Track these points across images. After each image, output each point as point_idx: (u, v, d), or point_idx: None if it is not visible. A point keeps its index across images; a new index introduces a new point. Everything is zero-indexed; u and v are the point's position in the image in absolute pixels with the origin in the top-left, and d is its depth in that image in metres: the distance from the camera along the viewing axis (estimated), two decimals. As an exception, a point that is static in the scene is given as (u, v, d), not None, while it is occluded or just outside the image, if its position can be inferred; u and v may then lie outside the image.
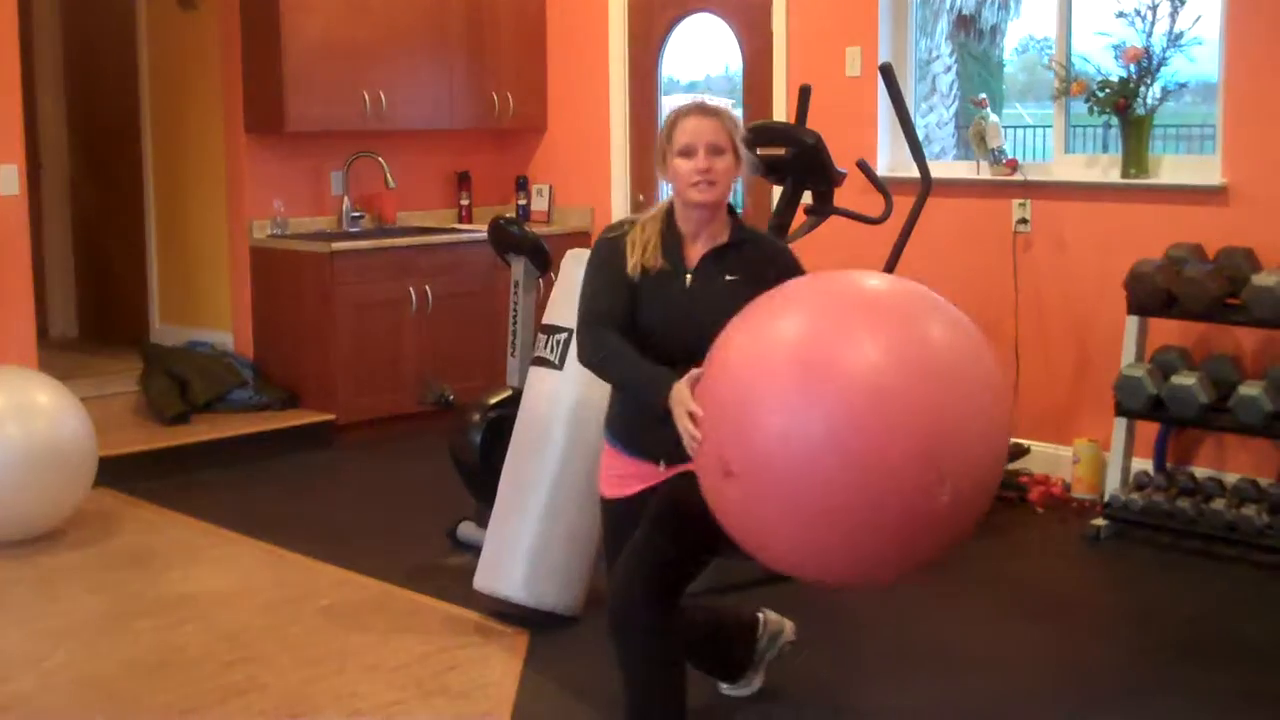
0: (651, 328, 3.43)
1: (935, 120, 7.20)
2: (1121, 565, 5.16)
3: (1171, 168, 5.81)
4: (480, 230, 6.92)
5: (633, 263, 3.45)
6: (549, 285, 4.76)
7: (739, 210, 3.57)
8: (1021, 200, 6.07)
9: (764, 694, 3.91)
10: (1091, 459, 5.74)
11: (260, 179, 7.20)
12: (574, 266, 4.50)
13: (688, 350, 3.25)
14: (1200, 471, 5.52)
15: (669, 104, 7.89)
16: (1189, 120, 8.50)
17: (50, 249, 8.46)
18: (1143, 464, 5.59)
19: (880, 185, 5.46)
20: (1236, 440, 5.47)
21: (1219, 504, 5.13)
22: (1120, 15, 5.76)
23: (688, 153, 3.38)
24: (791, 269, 3.40)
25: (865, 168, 5.51)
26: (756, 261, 3.43)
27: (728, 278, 3.42)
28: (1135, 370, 5.35)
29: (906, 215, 5.44)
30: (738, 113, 3.38)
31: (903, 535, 2.79)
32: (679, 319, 3.41)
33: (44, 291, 8.07)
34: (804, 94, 5.41)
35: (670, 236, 3.48)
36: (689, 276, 3.45)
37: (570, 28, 7.79)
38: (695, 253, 3.47)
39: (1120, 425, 5.46)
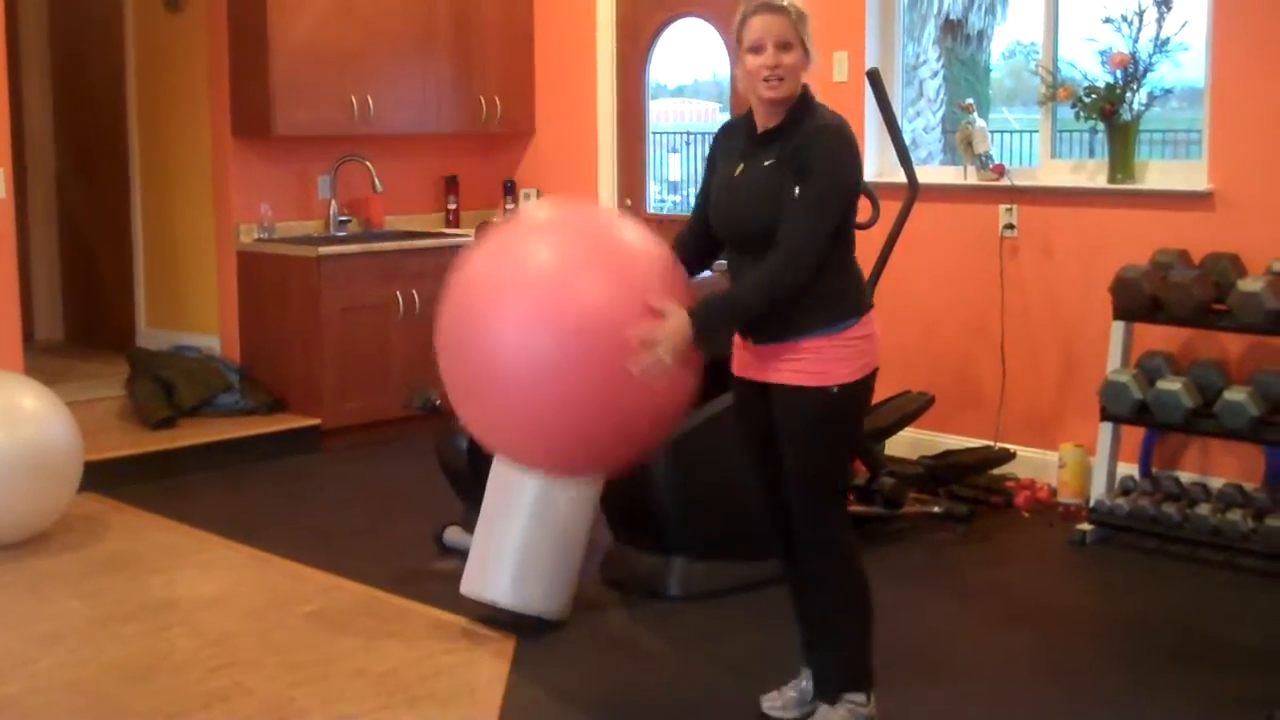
0: (714, 217, 3.62)
1: (922, 125, 7.23)
2: (1107, 570, 5.17)
3: (1157, 173, 5.83)
4: (468, 234, 6.93)
5: (711, 157, 3.70)
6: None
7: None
8: (1008, 205, 6.09)
9: (753, 701, 3.91)
10: (1077, 464, 5.75)
11: (247, 183, 7.18)
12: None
13: (739, 236, 3.55)
14: (1186, 476, 5.53)
15: (656, 108, 7.91)
16: (1175, 125, 8.53)
17: (36, 252, 8.45)
18: (1128, 469, 5.60)
19: (867, 190, 5.44)
20: (1222, 445, 5.48)
21: (1204, 509, 5.14)
22: (1107, 21, 5.77)
23: (757, 49, 3.46)
24: (817, 157, 3.40)
25: (852, 173, 5.51)
26: (794, 145, 3.44)
27: (765, 163, 3.48)
28: (1121, 375, 5.36)
29: (894, 220, 5.45)
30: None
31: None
32: (726, 206, 3.58)
33: (30, 295, 8.04)
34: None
35: (747, 130, 3.58)
36: (740, 165, 3.55)
37: (558, 32, 7.80)
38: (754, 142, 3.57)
39: (1106, 430, 5.47)
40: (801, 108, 3.48)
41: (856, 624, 3.64)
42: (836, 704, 3.64)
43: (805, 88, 3.50)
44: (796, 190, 3.39)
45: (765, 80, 3.44)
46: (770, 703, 3.85)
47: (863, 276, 3.71)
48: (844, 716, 3.62)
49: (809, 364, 3.49)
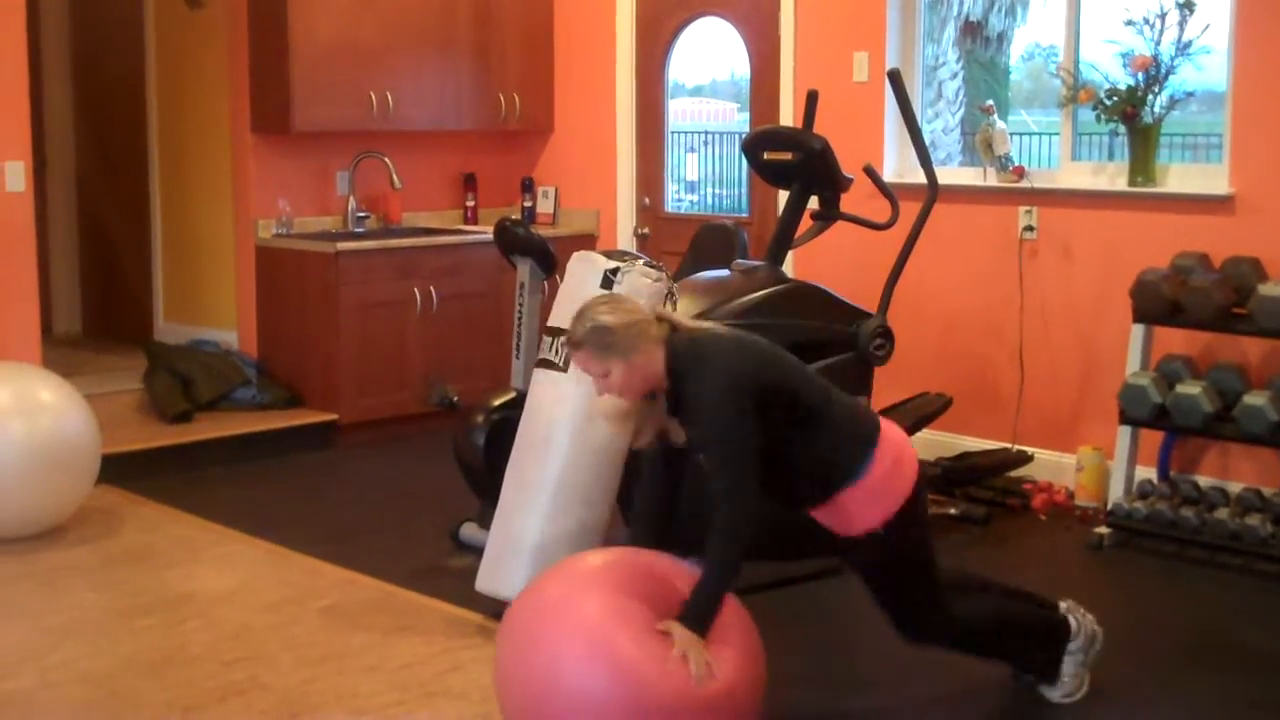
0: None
1: (942, 126, 7.21)
2: (1124, 574, 5.16)
3: (1178, 176, 5.81)
4: (486, 232, 6.93)
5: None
6: (554, 288, 4.75)
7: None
8: (1028, 207, 6.07)
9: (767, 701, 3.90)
10: (1095, 467, 5.73)
11: (266, 178, 7.20)
12: (579, 269, 4.49)
13: None
14: (1204, 481, 5.51)
15: (675, 108, 7.90)
16: (1196, 129, 8.50)
17: (56, 246, 8.47)
18: (1147, 472, 5.58)
19: (887, 191, 5.46)
20: (1241, 450, 5.46)
21: (1223, 513, 5.12)
22: (1129, 23, 5.75)
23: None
24: (698, 421, 3.45)
25: (872, 173, 5.50)
26: (694, 412, 3.48)
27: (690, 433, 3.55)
28: (1140, 379, 5.34)
29: (913, 221, 5.43)
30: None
31: None
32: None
33: (49, 288, 8.08)
34: (811, 99, 5.41)
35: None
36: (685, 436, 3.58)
37: (577, 30, 7.80)
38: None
39: (1124, 433, 5.45)
40: (674, 369, 3.47)
41: (1009, 644, 3.86)
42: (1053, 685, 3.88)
43: (671, 345, 3.48)
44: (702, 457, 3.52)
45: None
46: None
47: (858, 411, 3.68)
48: (1072, 673, 3.87)
49: (849, 515, 3.58)
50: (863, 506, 3.55)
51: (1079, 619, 3.89)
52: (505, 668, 3.46)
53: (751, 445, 3.40)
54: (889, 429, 3.65)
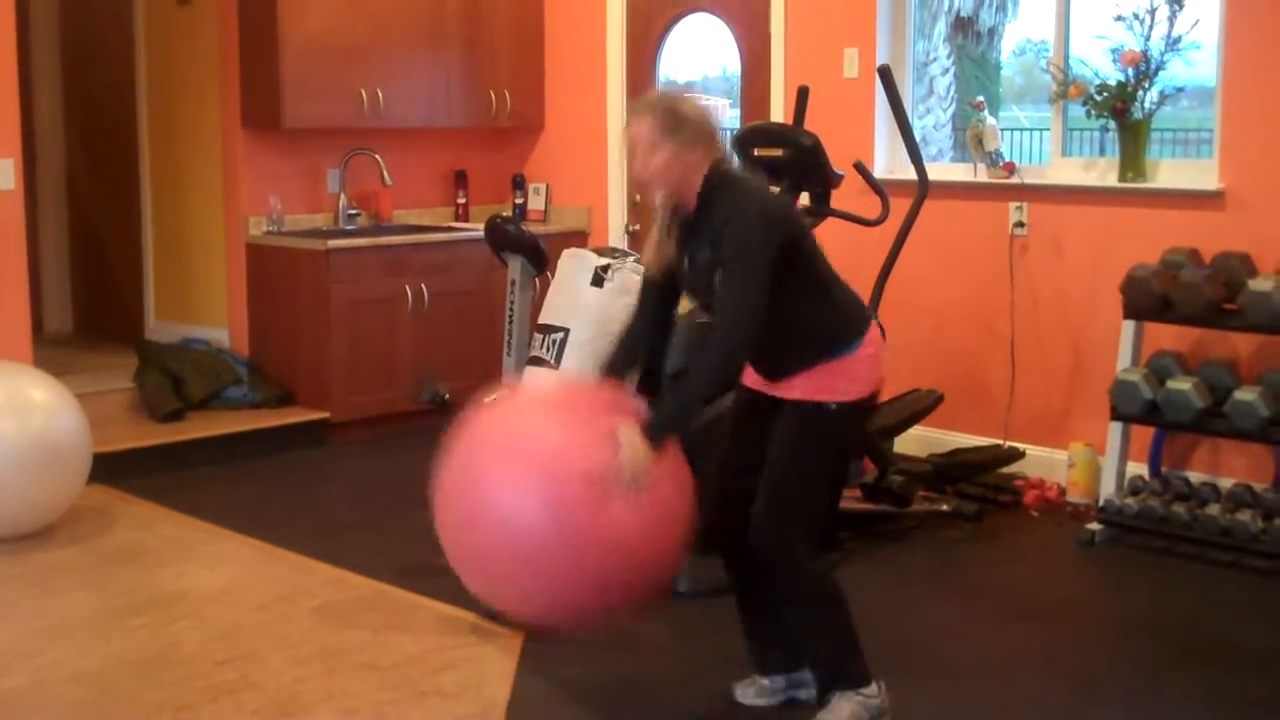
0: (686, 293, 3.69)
1: (933, 122, 7.21)
2: (1116, 570, 5.16)
3: (1168, 172, 5.82)
4: (477, 229, 6.92)
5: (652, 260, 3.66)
6: (545, 285, 4.76)
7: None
8: (1018, 203, 6.07)
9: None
10: (1086, 463, 5.74)
11: (257, 176, 7.18)
12: (570, 266, 4.50)
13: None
14: (1195, 476, 5.52)
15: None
16: (1186, 125, 8.52)
17: (46, 244, 8.46)
18: (1138, 468, 5.59)
19: (877, 187, 5.46)
20: (1232, 445, 5.47)
21: (1213, 509, 5.13)
22: (1118, 19, 5.76)
23: (631, 155, 3.54)
24: (727, 244, 3.42)
25: (862, 169, 5.51)
26: (713, 239, 3.47)
27: (700, 260, 3.53)
28: (1131, 375, 5.35)
29: (903, 217, 5.44)
30: (725, 109, 3.47)
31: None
32: (689, 291, 3.65)
33: (39, 287, 8.05)
34: (802, 95, 5.41)
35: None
36: (685, 260, 3.59)
37: (568, 26, 7.79)
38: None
39: (1115, 429, 5.46)
40: (708, 195, 3.49)
41: (830, 630, 3.66)
42: (841, 699, 3.65)
43: (714, 169, 3.50)
44: (718, 277, 3.46)
45: (646, 186, 3.56)
46: (743, 690, 3.88)
47: (856, 297, 3.74)
48: (854, 709, 3.63)
49: (815, 383, 3.57)
50: (835, 379, 3.56)
51: (881, 689, 3.69)
52: (448, 492, 3.62)
53: (768, 270, 3.40)
54: (874, 329, 3.69)
